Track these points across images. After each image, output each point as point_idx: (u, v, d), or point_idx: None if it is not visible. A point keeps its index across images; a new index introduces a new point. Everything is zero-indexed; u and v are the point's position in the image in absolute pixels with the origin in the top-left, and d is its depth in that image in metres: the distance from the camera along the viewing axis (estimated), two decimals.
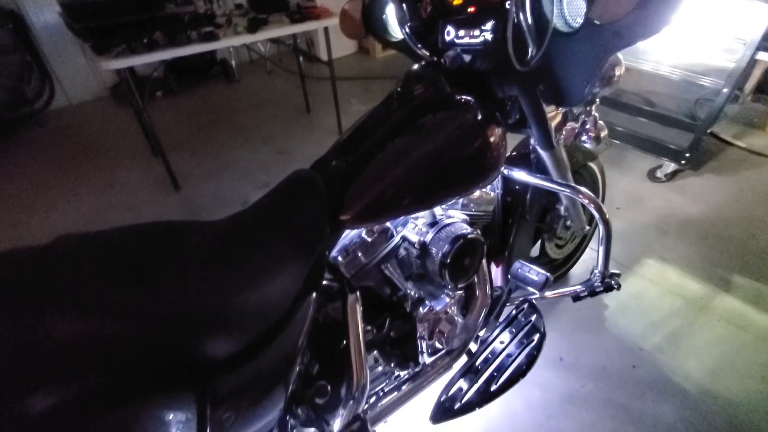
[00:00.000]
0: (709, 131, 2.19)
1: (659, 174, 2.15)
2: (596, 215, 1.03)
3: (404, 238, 0.94)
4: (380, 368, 1.05)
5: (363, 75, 3.44)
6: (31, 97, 2.84)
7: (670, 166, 2.12)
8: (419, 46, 0.95)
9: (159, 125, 2.53)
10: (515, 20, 0.77)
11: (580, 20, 0.75)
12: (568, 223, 1.35)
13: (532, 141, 1.11)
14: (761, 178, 2.17)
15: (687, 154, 2.03)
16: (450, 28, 0.90)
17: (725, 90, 1.85)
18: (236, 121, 3.01)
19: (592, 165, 1.42)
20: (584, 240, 1.58)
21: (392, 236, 0.94)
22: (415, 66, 0.92)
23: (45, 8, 2.80)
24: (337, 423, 0.86)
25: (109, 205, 2.26)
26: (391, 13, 1.01)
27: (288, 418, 0.85)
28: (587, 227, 1.39)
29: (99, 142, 2.72)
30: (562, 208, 1.29)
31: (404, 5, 0.91)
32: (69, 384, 0.49)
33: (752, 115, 2.59)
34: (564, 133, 1.17)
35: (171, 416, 0.55)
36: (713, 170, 2.23)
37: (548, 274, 1.02)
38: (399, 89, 0.93)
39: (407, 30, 0.94)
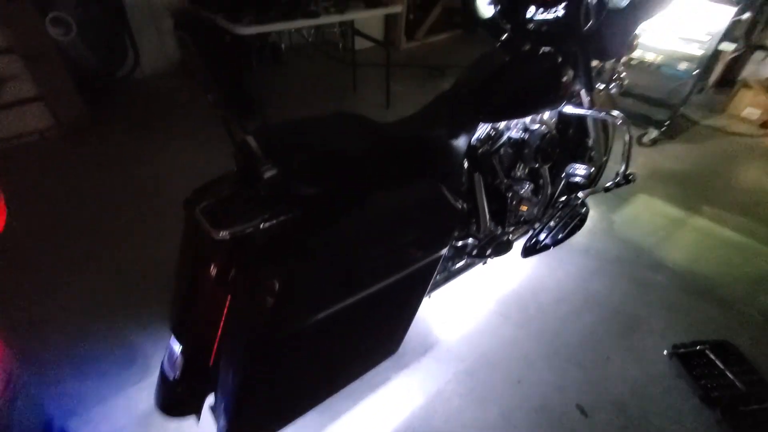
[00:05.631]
0: (681, 112, 2.84)
1: (645, 140, 2.79)
2: (625, 129, 1.59)
3: (509, 138, 1.48)
4: None
5: (396, 63, 3.96)
6: (116, 66, 3.20)
7: (653, 134, 2.76)
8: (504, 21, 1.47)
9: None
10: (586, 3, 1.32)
11: (625, 2, 1.31)
12: (593, 153, 1.92)
13: (577, 87, 1.67)
14: (720, 146, 2.86)
15: (667, 122, 2.68)
16: (532, 7, 1.43)
17: (695, 72, 2.50)
18: (293, 95, 3.46)
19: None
20: (599, 170, 2.15)
21: (502, 135, 1.47)
22: (505, 35, 1.46)
23: None
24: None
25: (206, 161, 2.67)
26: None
27: None
28: (605, 158, 1.97)
29: (183, 107, 3.12)
30: (590, 141, 1.86)
31: None
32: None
33: (714, 103, 3.29)
34: (600, 84, 1.75)
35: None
36: (685, 140, 2.90)
37: (591, 168, 1.58)
38: (505, 39, 1.47)
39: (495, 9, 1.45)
